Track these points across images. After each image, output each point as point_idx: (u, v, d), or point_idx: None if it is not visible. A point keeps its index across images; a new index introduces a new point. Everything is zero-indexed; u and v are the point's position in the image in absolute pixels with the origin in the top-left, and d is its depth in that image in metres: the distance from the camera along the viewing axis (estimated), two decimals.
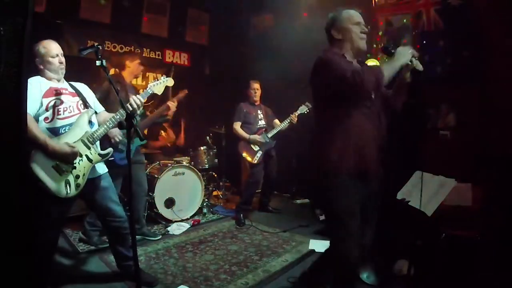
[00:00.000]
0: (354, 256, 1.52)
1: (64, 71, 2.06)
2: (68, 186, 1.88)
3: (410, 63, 1.55)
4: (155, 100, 4.54)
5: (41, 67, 1.97)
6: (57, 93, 1.97)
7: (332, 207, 1.58)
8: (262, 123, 3.93)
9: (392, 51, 1.56)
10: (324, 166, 1.57)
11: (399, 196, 1.93)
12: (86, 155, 1.98)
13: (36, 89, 1.89)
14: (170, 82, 2.41)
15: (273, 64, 3.94)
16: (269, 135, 3.82)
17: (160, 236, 3.17)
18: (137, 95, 2.10)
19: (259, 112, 3.96)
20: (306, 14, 4.45)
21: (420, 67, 1.56)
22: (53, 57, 1.98)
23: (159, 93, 2.34)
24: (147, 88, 2.26)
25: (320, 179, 1.61)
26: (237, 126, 3.85)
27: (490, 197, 2.55)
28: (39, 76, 1.98)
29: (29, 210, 1.01)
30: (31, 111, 1.83)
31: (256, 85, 3.95)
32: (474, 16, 3.05)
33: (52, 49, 1.99)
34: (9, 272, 0.94)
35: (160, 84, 2.32)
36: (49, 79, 2.00)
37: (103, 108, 2.29)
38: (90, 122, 2.06)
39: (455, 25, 3.18)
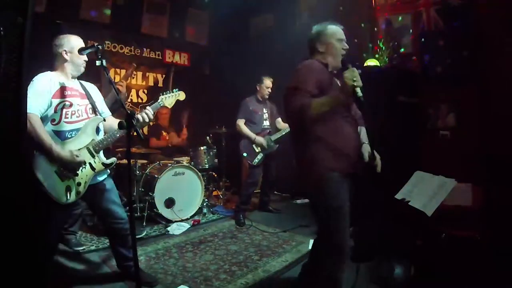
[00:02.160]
0: (348, 246, 1.63)
1: (83, 71, 2.05)
2: (68, 193, 1.86)
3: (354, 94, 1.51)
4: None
5: (67, 57, 1.95)
6: (67, 94, 1.93)
7: (330, 203, 1.64)
8: (267, 123, 3.83)
9: (348, 66, 1.57)
10: (318, 166, 1.65)
11: (399, 196, 1.93)
12: (90, 164, 1.95)
13: (46, 87, 1.84)
14: (182, 96, 2.30)
15: (273, 64, 3.93)
16: (273, 138, 3.74)
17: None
18: (148, 108, 2.06)
19: (265, 111, 3.85)
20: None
21: (360, 94, 1.50)
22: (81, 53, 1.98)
23: (169, 106, 2.27)
24: (158, 100, 2.20)
25: (315, 179, 1.67)
26: (241, 123, 3.73)
27: (490, 197, 2.56)
28: (49, 72, 1.93)
29: (29, 212, 1.01)
30: (39, 111, 1.79)
31: (270, 83, 3.79)
32: (474, 16, 3.05)
33: (81, 44, 1.99)
34: (10, 273, 0.94)
35: (171, 97, 2.27)
36: (65, 74, 1.97)
37: (110, 113, 2.24)
38: (97, 129, 2.03)
39: (455, 25, 3.18)
